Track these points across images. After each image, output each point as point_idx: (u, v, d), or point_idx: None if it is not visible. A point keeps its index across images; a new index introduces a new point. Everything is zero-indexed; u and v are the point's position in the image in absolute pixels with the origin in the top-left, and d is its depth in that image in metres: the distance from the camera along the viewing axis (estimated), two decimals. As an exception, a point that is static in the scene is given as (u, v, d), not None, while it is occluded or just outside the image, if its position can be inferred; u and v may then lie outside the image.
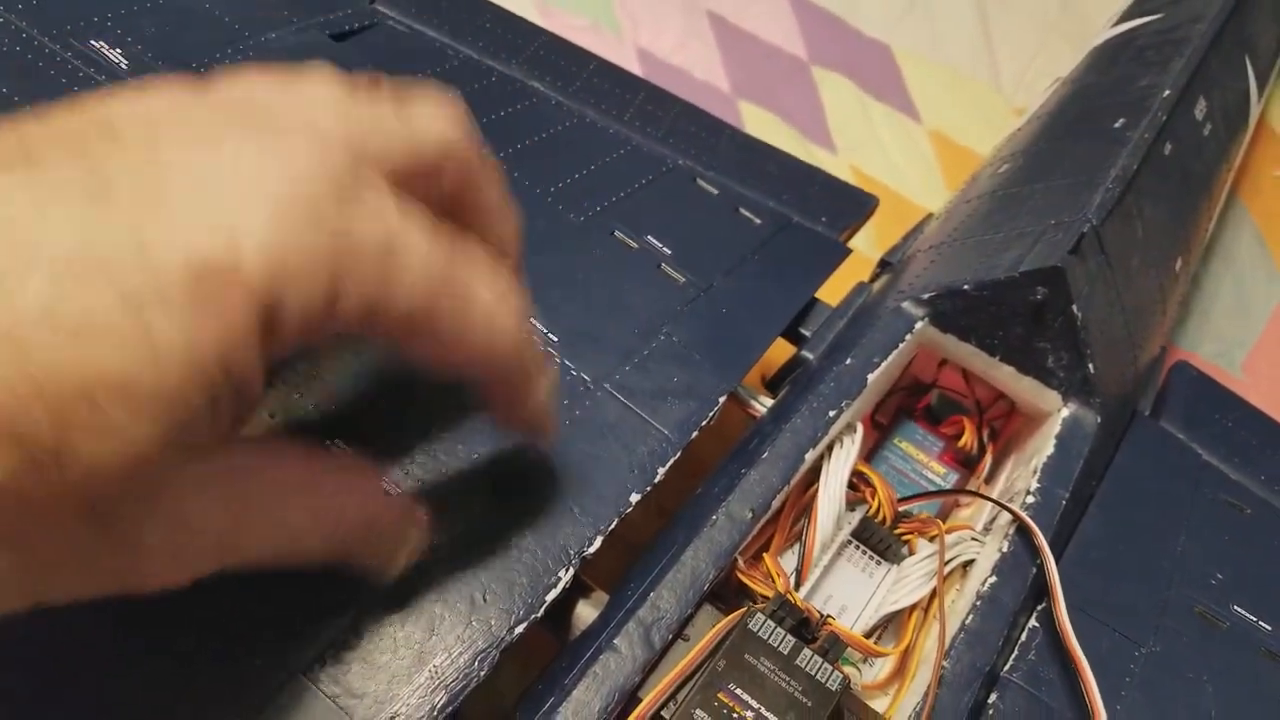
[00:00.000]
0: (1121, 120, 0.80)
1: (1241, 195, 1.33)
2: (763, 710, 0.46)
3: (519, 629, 0.47)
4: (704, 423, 0.59)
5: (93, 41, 0.67)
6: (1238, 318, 1.21)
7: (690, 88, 1.30)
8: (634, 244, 0.71)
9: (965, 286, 0.65)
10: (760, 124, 1.28)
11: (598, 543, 0.51)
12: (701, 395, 0.61)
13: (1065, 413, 0.64)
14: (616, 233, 0.72)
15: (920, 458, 0.72)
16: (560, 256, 0.68)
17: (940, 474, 0.71)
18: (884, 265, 0.80)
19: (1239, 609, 0.61)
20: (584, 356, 0.61)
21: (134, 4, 0.71)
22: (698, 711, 0.46)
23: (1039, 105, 0.98)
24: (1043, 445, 0.64)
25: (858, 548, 0.61)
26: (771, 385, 0.73)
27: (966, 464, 0.73)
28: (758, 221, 0.79)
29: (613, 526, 0.52)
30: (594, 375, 0.60)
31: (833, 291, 0.76)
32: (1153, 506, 0.66)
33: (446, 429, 0.54)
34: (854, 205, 0.85)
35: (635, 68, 1.30)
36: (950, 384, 0.75)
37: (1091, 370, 0.63)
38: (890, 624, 0.59)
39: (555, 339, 0.61)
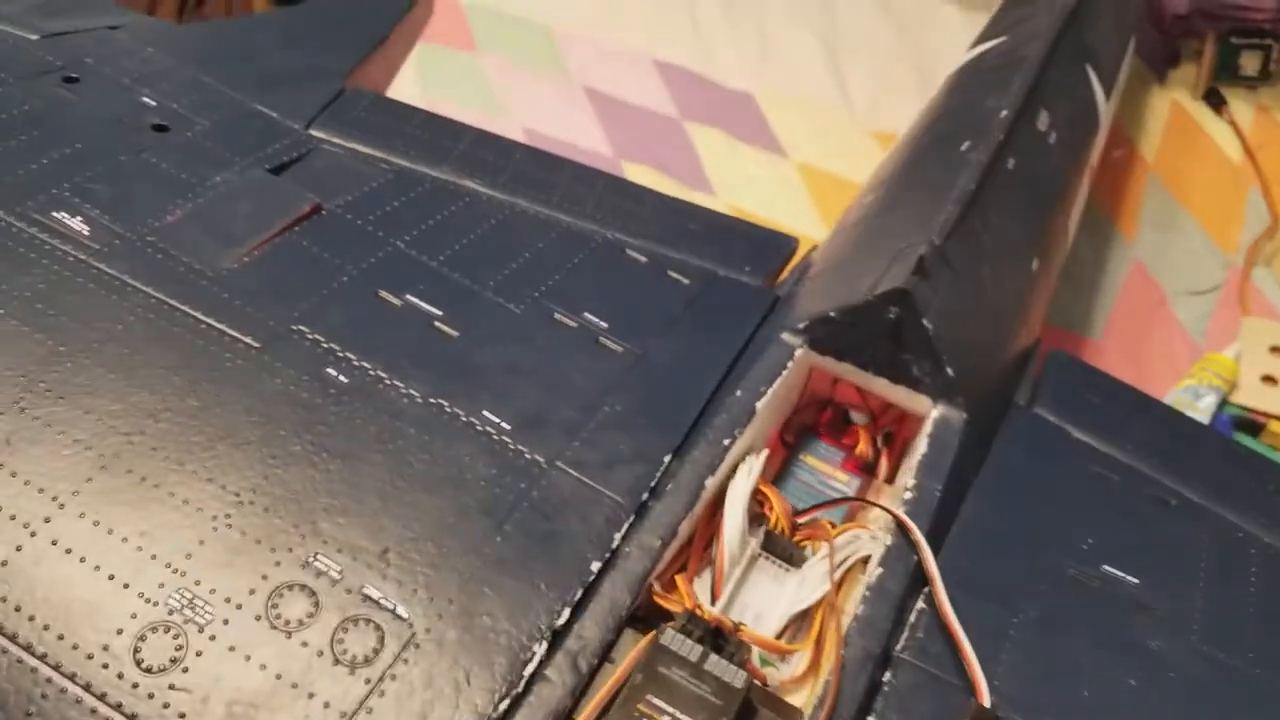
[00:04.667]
0: (967, 143, 0.85)
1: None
2: (677, 714, 0.51)
3: (503, 705, 0.51)
4: (653, 484, 0.64)
5: (54, 214, 0.72)
6: (1097, 289, 1.30)
7: (576, 156, 1.38)
8: (573, 323, 0.76)
9: (832, 313, 0.70)
10: (643, 179, 1.34)
11: (566, 614, 0.55)
12: (649, 458, 0.65)
13: (935, 414, 0.70)
14: (556, 315, 0.77)
15: (824, 469, 0.77)
16: (506, 347, 0.72)
17: (844, 481, 0.76)
18: (774, 300, 0.85)
19: (1108, 568, 0.66)
20: (536, 439, 0.65)
21: (86, 170, 0.76)
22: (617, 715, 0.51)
23: (905, 133, 1.04)
24: (919, 445, 0.69)
25: (769, 559, 0.66)
26: None
27: (867, 469, 0.77)
28: (686, 281, 0.83)
29: (578, 596, 0.57)
30: (546, 456, 0.64)
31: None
32: (1026, 486, 0.71)
33: (420, 527, 0.59)
34: (775, 249, 0.90)
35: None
36: (847, 398, 0.80)
37: (951, 374, 0.69)
38: (801, 623, 0.63)
39: (508, 427, 0.66)
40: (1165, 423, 0.83)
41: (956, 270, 0.72)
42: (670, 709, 0.51)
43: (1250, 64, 1.54)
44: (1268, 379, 1.22)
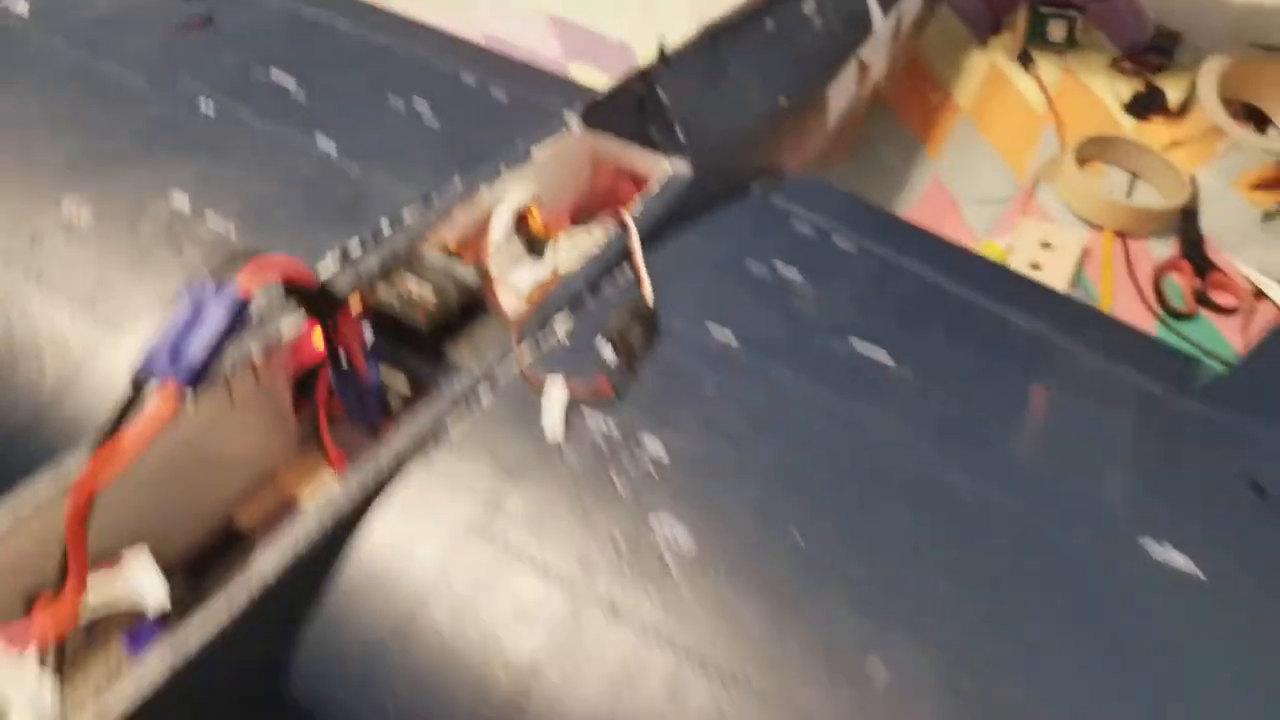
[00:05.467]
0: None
1: (903, 113, 1.69)
2: (423, 289, 0.74)
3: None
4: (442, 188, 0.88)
5: None
6: (899, 192, 1.55)
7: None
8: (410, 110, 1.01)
9: (598, 96, 0.94)
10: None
11: (358, 249, 0.78)
12: (445, 176, 0.89)
13: (667, 166, 0.93)
14: (390, 101, 1.01)
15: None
16: (352, 123, 0.98)
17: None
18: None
19: (778, 262, 0.88)
20: (365, 166, 0.91)
21: None
22: (381, 285, 0.73)
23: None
24: (652, 186, 0.92)
25: (529, 254, 0.89)
26: None
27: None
28: (506, 102, 1.08)
29: (369, 239, 0.80)
30: (364, 170, 0.89)
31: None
32: (731, 225, 0.94)
33: None
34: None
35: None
36: (625, 194, 1.04)
37: (682, 139, 0.92)
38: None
39: (335, 156, 0.91)
40: (890, 223, 1.07)
41: (699, 75, 0.96)
42: (419, 283, 0.74)
43: (1057, 32, 1.81)
44: (1034, 265, 1.46)
